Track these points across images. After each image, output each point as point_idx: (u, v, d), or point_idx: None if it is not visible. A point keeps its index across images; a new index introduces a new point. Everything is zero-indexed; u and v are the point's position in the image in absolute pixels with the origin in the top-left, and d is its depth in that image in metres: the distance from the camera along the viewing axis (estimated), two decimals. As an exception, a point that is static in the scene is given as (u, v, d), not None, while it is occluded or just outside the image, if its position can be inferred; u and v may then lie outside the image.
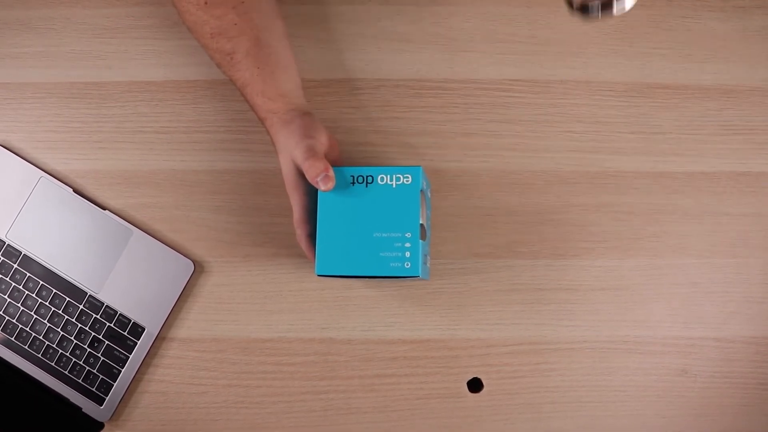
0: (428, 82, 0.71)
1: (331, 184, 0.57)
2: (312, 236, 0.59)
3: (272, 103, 0.61)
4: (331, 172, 0.57)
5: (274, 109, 0.61)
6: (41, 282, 0.69)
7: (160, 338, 0.69)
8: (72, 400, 0.68)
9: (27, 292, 0.69)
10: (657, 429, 0.67)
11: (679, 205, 0.69)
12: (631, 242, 0.69)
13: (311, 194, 0.60)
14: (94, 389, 0.68)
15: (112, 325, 0.68)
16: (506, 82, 0.71)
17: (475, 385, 0.68)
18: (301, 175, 0.59)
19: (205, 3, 0.60)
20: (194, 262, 0.69)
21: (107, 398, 0.68)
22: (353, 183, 0.58)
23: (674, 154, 0.70)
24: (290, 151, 0.59)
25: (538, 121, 0.70)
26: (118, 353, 0.68)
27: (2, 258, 0.69)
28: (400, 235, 0.56)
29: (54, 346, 0.68)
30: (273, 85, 0.61)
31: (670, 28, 0.72)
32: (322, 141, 0.60)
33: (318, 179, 0.57)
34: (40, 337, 0.68)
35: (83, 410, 0.68)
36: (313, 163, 0.57)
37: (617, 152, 0.70)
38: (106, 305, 0.69)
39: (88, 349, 0.68)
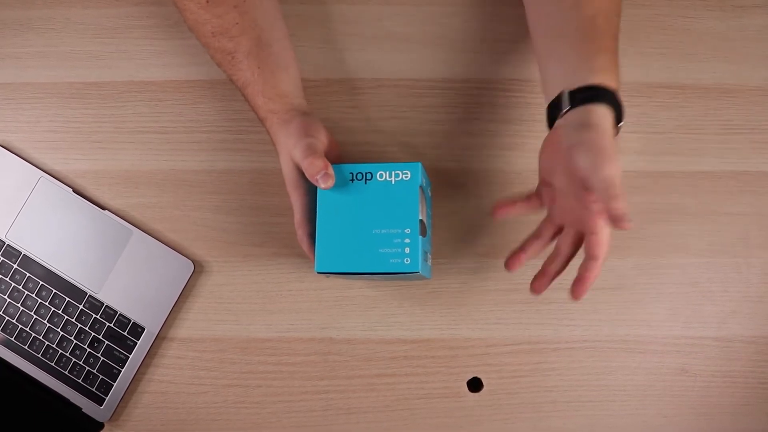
0: (428, 82, 0.71)
1: (330, 182, 0.57)
2: (312, 236, 0.59)
3: (272, 103, 0.61)
4: (331, 170, 0.57)
5: (274, 109, 0.61)
6: (41, 282, 0.69)
7: (160, 338, 0.69)
8: (72, 400, 0.68)
9: (27, 292, 0.69)
10: (657, 428, 0.67)
11: (679, 204, 0.69)
12: (631, 242, 0.69)
13: (312, 194, 0.60)
14: (94, 389, 0.68)
15: (111, 325, 0.68)
16: (506, 82, 0.71)
17: (475, 385, 0.68)
18: (301, 174, 0.59)
19: (207, 1, 0.60)
20: (194, 261, 0.69)
21: (107, 398, 0.68)
22: (352, 180, 0.58)
23: (674, 153, 0.70)
24: (290, 150, 0.59)
25: (538, 121, 0.70)
26: (118, 353, 0.68)
27: (2, 258, 0.69)
28: (399, 231, 0.56)
29: (54, 346, 0.68)
30: (273, 85, 0.61)
31: (670, 27, 0.72)
32: (321, 140, 0.60)
33: (317, 177, 0.57)
34: (40, 338, 0.68)
35: (83, 410, 0.68)
36: (313, 161, 0.57)
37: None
38: (106, 305, 0.69)
39: (88, 349, 0.68)
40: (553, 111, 0.57)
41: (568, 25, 0.58)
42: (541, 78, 0.61)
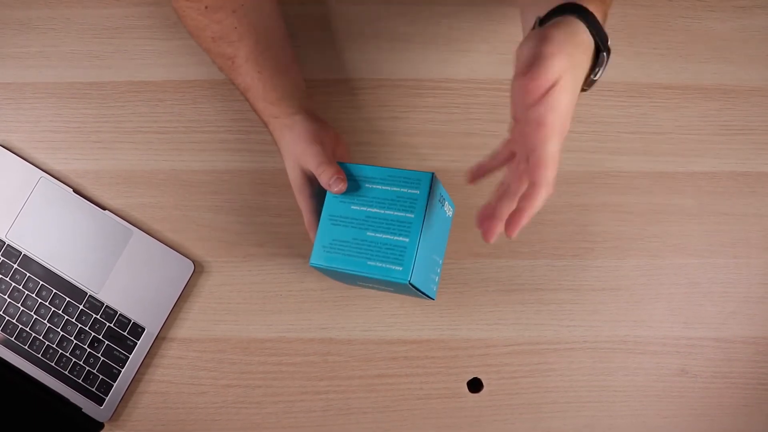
0: (428, 82, 0.71)
1: (343, 186, 0.56)
2: None
3: (274, 107, 0.61)
4: (343, 175, 0.57)
5: (276, 113, 0.61)
6: (41, 282, 0.69)
7: (160, 338, 0.69)
8: (72, 400, 0.68)
9: (27, 292, 0.69)
10: (657, 429, 0.67)
11: (679, 205, 0.69)
12: (631, 242, 0.69)
13: (319, 196, 0.60)
14: (94, 389, 0.68)
15: (112, 325, 0.68)
16: (506, 82, 0.71)
17: (475, 385, 0.68)
18: (307, 179, 0.59)
19: (206, 8, 0.60)
20: (194, 262, 0.69)
21: (107, 398, 0.68)
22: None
23: (674, 154, 0.70)
24: (297, 157, 0.59)
25: (538, 121, 0.70)
26: (118, 353, 0.68)
27: (2, 258, 0.69)
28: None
29: (54, 346, 0.68)
30: (273, 89, 0.61)
31: (670, 28, 0.72)
32: (328, 143, 0.60)
33: (330, 182, 0.56)
34: (40, 338, 0.68)
35: (83, 410, 0.68)
36: (326, 168, 0.57)
37: (617, 152, 0.70)
38: (106, 305, 0.69)
39: (88, 349, 0.68)
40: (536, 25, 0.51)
41: None
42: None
